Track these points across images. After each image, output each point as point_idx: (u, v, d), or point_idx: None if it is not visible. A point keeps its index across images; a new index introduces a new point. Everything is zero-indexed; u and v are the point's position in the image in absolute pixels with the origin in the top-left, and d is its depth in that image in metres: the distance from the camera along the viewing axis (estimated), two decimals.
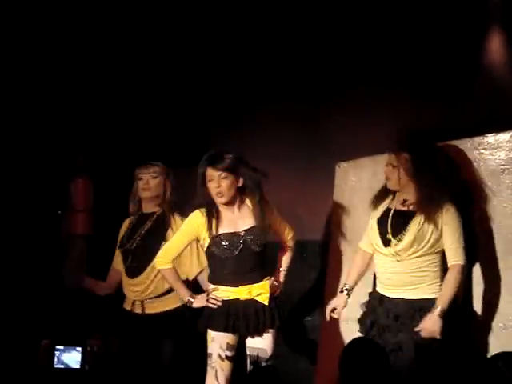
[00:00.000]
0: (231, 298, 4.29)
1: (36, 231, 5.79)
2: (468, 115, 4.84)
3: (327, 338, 5.00)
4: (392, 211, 4.31)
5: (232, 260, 4.28)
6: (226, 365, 4.32)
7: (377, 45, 5.21)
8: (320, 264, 5.27)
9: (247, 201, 4.34)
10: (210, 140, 5.87)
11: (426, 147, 4.35)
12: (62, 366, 4.81)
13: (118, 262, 4.81)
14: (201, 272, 4.67)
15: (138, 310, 4.66)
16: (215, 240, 4.27)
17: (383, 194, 4.41)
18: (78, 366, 4.77)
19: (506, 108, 4.69)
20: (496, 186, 4.48)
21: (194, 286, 4.63)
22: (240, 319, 4.27)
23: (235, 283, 4.29)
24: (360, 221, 4.87)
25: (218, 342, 4.30)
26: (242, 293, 4.28)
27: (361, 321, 4.39)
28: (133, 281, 4.65)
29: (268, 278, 4.33)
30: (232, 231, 4.29)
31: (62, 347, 4.80)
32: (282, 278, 4.45)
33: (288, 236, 4.47)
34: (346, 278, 4.55)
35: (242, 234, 4.28)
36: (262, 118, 5.63)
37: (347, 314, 4.87)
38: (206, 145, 5.82)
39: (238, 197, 4.30)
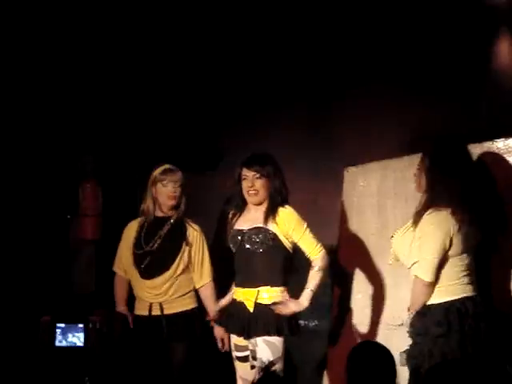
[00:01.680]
0: (234, 297, 4.42)
1: (45, 236, 5.81)
2: (477, 120, 4.83)
3: (336, 343, 4.99)
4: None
5: (236, 258, 4.41)
6: (237, 365, 4.43)
7: (387, 49, 5.22)
8: (328, 268, 5.25)
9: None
10: (217, 143, 5.89)
11: (447, 152, 4.23)
12: (63, 344, 4.70)
13: (126, 267, 4.78)
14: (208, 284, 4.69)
15: (157, 312, 4.65)
16: (230, 234, 4.43)
17: None
18: (80, 344, 4.67)
19: None
20: None
21: None
22: (233, 321, 4.37)
23: (237, 284, 4.41)
24: (368, 225, 4.87)
25: (231, 343, 4.45)
26: (237, 294, 4.39)
27: None
28: (151, 282, 4.63)
29: (269, 287, 4.29)
30: (240, 228, 4.38)
31: (63, 324, 4.70)
32: (302, 297, 4.32)
33: (312, 255, 4.35)
34: None
35: (244, 231, 4.35)
36: (270, 122, 5.64)
37: (355, 320, 4.89)
38: (214, 147, 5.84)
39: (266, 200, 4.36)
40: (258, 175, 4.32)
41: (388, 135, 5.07)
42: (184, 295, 4.66)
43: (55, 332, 4.72)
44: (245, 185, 4.36)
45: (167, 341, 4.62)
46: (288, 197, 4.40)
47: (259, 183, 4.33)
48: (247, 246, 4.32)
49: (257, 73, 5.70)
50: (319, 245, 4.36)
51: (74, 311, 4.99)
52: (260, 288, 4.30)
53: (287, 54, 5.59)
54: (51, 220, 5.86)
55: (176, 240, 4.63)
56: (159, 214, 4.70)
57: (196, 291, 4.72)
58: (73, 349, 4.67)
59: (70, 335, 4.71)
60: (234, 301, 4.42)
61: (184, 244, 4.63)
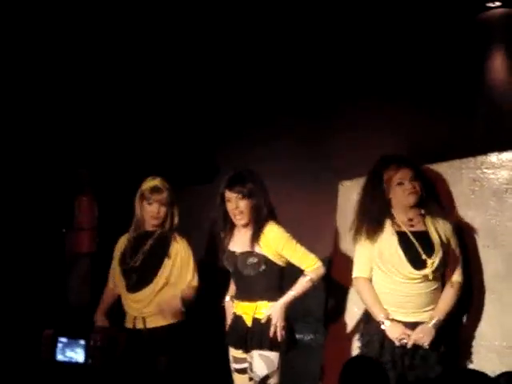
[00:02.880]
0: (234, 310, 4.43)
1: (40, 250, 5.80)
2: (471, 134, 4.85)
3: (331, 357, 4.98)
4: (409, 233, 4.25)
5: (232, 277, 4.46)
6: (235, 377, 4.46)
7: (383, 64, 5.25)
8: (323, 282, 5.25)
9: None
10: (214, 156, 5.89)
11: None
12: (64, 359, 4.68)
13: (116, 281, 4.84)
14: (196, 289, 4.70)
15: (140, 326, 4.69)
16: (224, 255, 4.42)
17: (378, 221, 4.32)
18: (81, 360, 4.65)
19: (509, 127, 4.70)
20: (499, 205, 4.47)
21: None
22: (232, 334, 4.40)
23: (236, 297, 4.44)
24: None
25: (230, 355, 4.46)
26: (237, 308, 4.41)
27: (366, 346, 4.34)
28: (135, 296, 4.69)
29: (267, 301, 4.29)
30: (232, 250, 4.39)
31: (65, 339, 4.68)
32: (281, 299, 4.27)
33: (307, 267, 4.29)
34: (377, 311, 4.30)
35: (237, 254, 4.36)
36: (266, 135, 5.65)
37: (351, 334, 4.88)
38: (211, 160, 5.85)
39: (254, 219, 4.32)
40: (240, 196, 4.27)
41: (382, 149, 5.08)
42: (168, 310, 4.64)
43: (57, 346, 4.71)
44: (230, 207, 4.32)
45: (150, 354, 4.64)
46: (274, 211, 4.35)
47: (243, 204, 4.28)
48: (241, 270, 4.34)
49: (254, 86, 5.72)
50: (313, 256, 4.33)
51: (77, 325, 4.99)
52: (258, 303, 4.31)
53: (285, 67, 5.61)
54: (47, 234, 5.85)
55: (158, 255, 4.69)
56: (146, 228, 4.77)
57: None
58: (73, 364, 4.67)
59: (70, 350, 4.70)
60: (234, 314, 4.44)
61: (166, 259, 4.68)
